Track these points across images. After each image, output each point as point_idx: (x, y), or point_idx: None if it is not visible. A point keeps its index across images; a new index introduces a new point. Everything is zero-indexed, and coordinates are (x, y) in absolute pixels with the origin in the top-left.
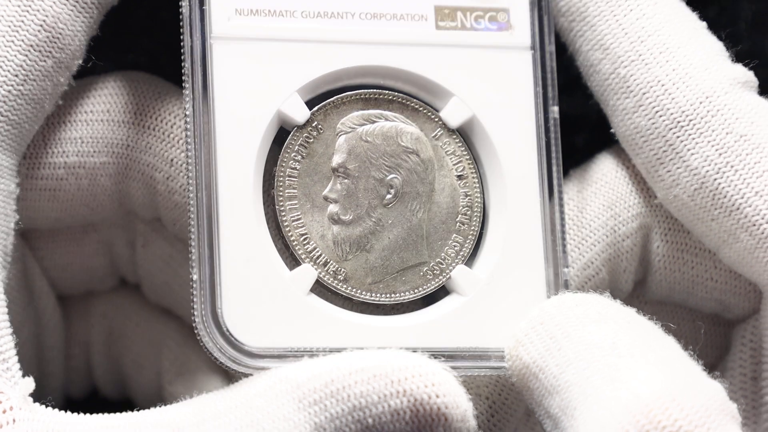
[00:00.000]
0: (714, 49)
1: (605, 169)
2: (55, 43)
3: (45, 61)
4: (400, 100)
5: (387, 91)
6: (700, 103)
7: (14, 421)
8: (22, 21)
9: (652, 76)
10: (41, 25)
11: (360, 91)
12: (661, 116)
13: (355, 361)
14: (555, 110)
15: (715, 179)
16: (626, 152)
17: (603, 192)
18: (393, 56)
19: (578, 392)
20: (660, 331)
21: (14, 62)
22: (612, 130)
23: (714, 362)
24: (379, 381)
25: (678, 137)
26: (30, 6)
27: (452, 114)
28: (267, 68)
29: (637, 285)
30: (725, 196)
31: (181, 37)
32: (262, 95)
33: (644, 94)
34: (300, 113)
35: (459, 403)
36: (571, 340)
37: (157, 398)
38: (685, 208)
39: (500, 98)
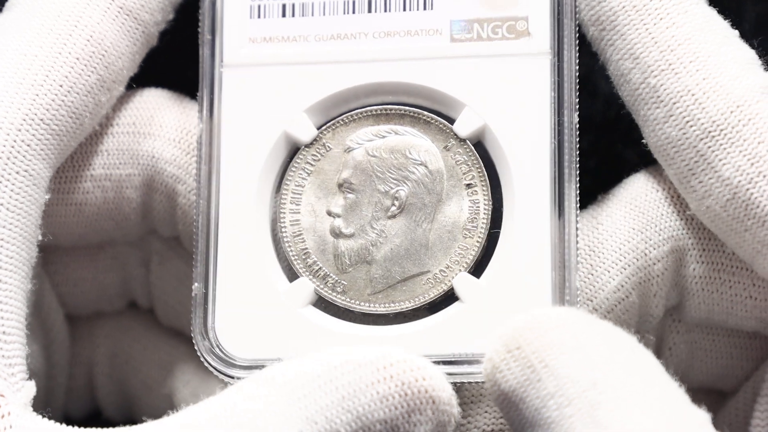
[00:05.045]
0: (745, 57)
1: (636, 192)
2: (100, 58)
3: (89, 75)
4: (411, 114)
5: (398, 106)
6: (731, 112)
7: (11, 427)
8: (70, 35)
9: (683, 85)
10: (88, 39)
11: (370, 107)
12: (691, 126)
13: (339, 355)
14: (574, 116)
15: (748, 189)
16: (657, 174)
17: (634, 215)
18: (405, 72)
19: None
20: (642, 352)
21: (60, 73)
22: (643, 140)
23: (749, 374)
24: (364, 369)
25: (709, 147)
26: (79, 21)
27: (463, 124)
28: (276, 91)
29: (674, 309)
30: (758, 206)
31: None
32: (270, 117)
33: (674, 103)
34: (305, 132)
35: (444, 387)
36: (549, 370)
37: None
38: (718, 219)
39: (515, 106)
